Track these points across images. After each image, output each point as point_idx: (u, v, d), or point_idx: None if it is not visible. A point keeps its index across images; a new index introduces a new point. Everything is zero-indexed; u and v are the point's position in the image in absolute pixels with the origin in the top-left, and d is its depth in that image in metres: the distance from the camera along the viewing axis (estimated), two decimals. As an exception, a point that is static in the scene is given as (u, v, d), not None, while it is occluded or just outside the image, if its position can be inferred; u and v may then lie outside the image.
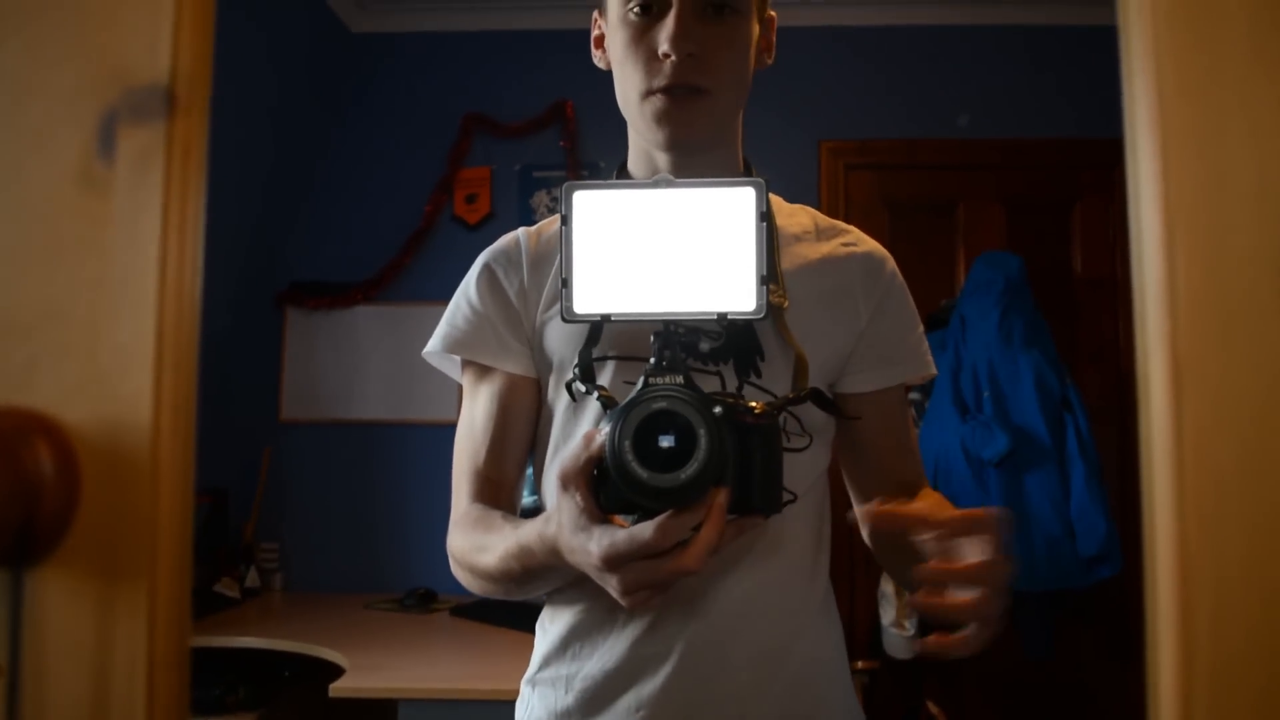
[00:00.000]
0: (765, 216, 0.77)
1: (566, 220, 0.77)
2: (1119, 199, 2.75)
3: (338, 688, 2.24)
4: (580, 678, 1.04)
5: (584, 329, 1.03)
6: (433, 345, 1.15)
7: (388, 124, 3.71)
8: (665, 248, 0.77)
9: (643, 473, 0.73)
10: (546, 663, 1.09)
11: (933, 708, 3.09)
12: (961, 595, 0.79)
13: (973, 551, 0.81)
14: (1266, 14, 0.35)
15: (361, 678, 2.30)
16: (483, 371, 1.14)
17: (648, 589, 0.80)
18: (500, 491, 1.12)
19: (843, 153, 3.61)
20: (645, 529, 0.76)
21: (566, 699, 1.05)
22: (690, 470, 0.73)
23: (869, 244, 1.18)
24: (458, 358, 1.15)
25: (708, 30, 1.03)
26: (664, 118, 1.05)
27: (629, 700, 1.01)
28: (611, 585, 0.81)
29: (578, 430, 1.07)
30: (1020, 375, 2.91)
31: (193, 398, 0.38)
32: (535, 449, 1.16)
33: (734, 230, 0.77)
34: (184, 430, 0.37)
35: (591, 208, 0.78)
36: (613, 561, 0.78)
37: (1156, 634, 0.34)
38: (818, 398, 1.04)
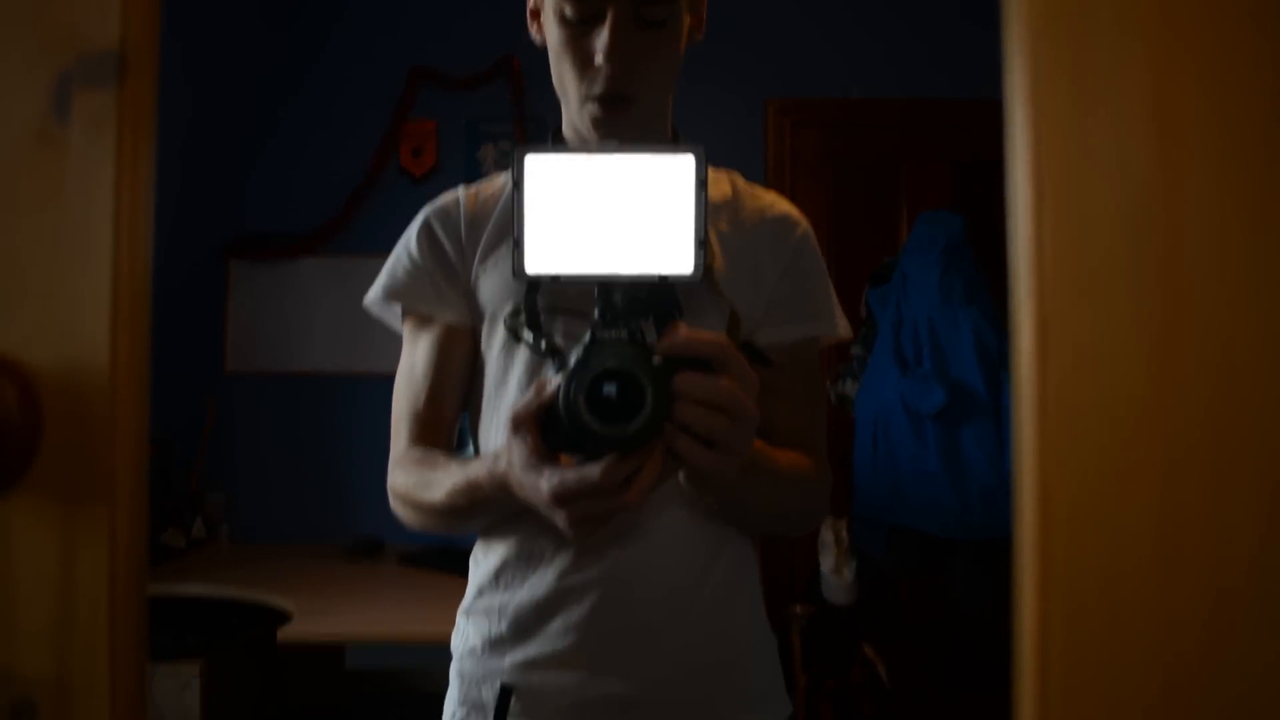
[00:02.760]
0: (704, 183, 0.81)
1: (519, 184, 0.81)
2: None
3: (286, 633, 2.28)
4: (512, 607, 1.10)
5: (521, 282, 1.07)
6: (373, 294, 1.20)
7: (334, 76, 3.67)
8: (609, 211, 0.81)
9: (595, 424, 0.79)
10: (480, 593, 1.15)
11: (869, 652, 3.19)
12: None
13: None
14: (1127, 18, 0.39)
15: (309, 623, 2.34)
16: (422, 321, 1.18)
17: (592, 522, 0.88)
18: (438, 433, 1.17)
19: (789, 110, 3.62)
20: (593, 470, 0.82)
21: (500, 626, 1.11)
22: (637, 423, 0.79)
23: (783, 207, 1.22)
24: (398, 307, 1.19)
25: (640, 39, 1.06)
26: (598, 123, 1.10)
27: (558, 625, 1.07)
28: (559, 518, 0.88)
29: (510, 378, 1.12)
30: (959, 331, 2.96)
31: (146, 340, 0.41)
32: (470, 399, 1.20)
33: (674, 196, 0.81)
34: (139, 370, 0.40)
35: (541, 171, 0.81)
36: (562, 497, 0.85)
37: (1021, 555, 0.39)
38: (746, 348, 1.08)
